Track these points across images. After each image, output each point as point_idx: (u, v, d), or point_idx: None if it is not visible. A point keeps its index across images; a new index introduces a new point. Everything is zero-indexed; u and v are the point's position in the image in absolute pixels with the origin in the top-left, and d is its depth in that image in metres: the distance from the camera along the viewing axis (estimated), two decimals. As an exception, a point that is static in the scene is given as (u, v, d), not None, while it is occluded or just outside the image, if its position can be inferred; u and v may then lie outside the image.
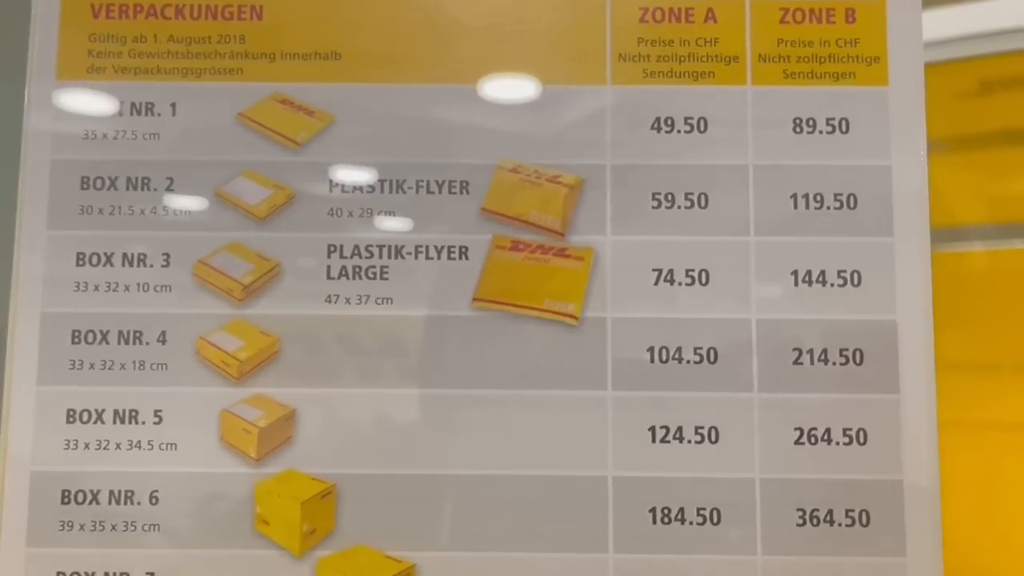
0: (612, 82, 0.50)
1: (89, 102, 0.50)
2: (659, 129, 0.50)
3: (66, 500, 0.47)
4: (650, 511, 0.48)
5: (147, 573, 0.47)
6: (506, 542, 0.47)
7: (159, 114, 0.50)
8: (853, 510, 0.47)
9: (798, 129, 0.50)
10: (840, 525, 0.47)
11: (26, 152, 0.49)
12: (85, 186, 0.49)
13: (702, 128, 0.50)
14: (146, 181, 0.50)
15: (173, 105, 0.50)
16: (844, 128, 0.50)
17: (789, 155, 0.50)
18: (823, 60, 0.50)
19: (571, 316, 0.49)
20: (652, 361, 0.48)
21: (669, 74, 0.50)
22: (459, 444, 0.48)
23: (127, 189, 0.49)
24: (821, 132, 0.50)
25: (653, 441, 0.48)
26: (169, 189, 0.50)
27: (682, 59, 0.50)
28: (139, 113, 0.50)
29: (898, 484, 0.47)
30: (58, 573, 0.47)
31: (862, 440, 0.48)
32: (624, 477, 0.48)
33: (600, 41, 0.50)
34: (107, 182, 0.49)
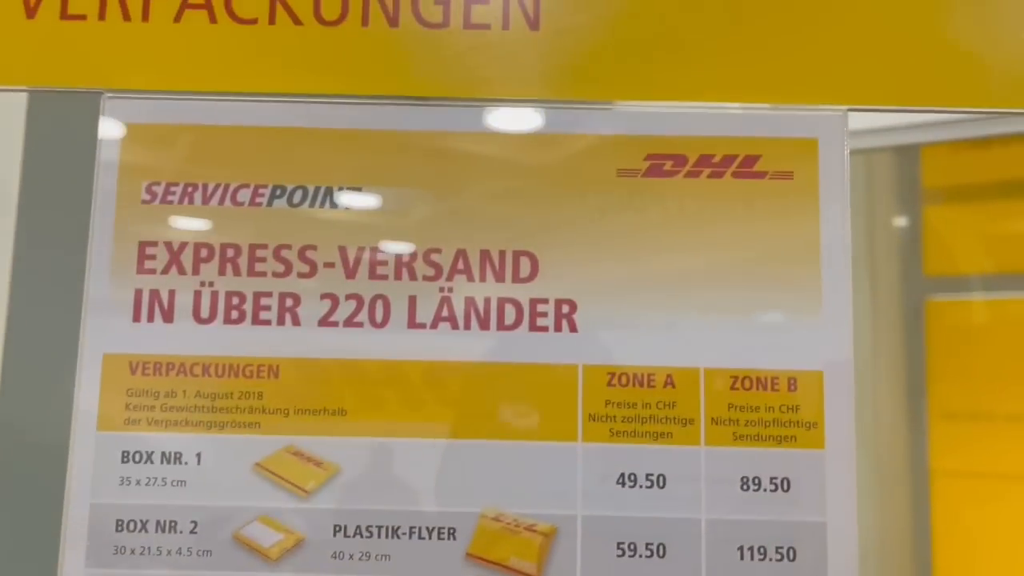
0: (583, 439, 0.57)
1: (124, 451, 0.57)
2: (623, 483, 0.57)
3: None
4: None
5: None
6: None
7: (186, 463, 0.57)
8: None
9: (745, 487, 0.57)
10: None
11: (68, 495, 0.56)
12: (119, 528, 0.56)
13: (661, 484, 0.57)
14: (173, 524, 0.56)
15: (198, 455, 0.57)
16: (785, 487, 0.57)
17: (737, 511, 0.57)
18: (768, 424, 0.57)
19: (544, 654, 0.55)
20: None
21: (632, 434, 0.57)
22: None
23: (156, 531, 0.56)
24: (765, 490, 0.57)
25: None
26: (193, 532, 0.56)
27: (644, 420, 0.58)
28: (168, 462, 0.57)
29: None
30: None
31: None
32: None
33: (572, 402, 0.58)
34: (139, 525, 0.56)
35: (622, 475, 0.57)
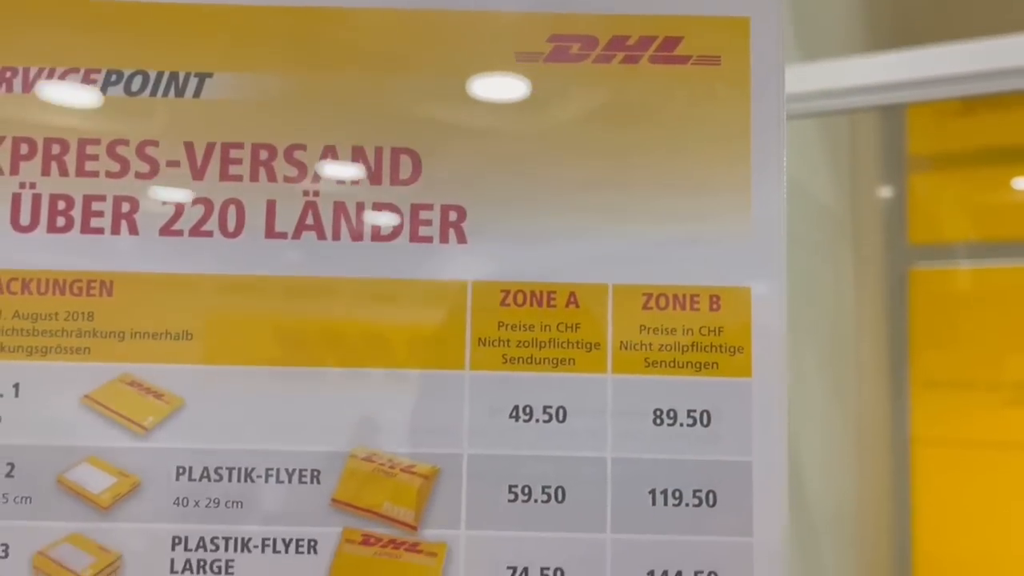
0: (471, 367, 0.49)
1: (-72, 382, 0.48)
2: (517, 418, 0.49)
3: None
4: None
5: None
6: None
7: (1, 395, 0.48)
8: None
9: (658, 421, 0.49)
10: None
11: None
12: (-79, 472, 0.48)
13: (561, 418, 0.49)
14: (-15, 467, 0.48)
15: (16, 386, 0.48)
16: (705, 421, 0.49)
17: (648, 448, 0.49)
18: (686, 349, 0.49)
19: (422, 615, 0.47)
20: (503, 664, 0.47)
21: (529, 360, 0.49)
22: None
23: (-35, 476, 0.48)
24: (682, 425, 0.49)
25: None
26: (9, 476, 0.48)
27: (542, 344, 0.49)
28: (-20, 395, 0.48)
29: None
30: None
31: None
32: None
33: (460, 324, 0.49)
34: (-56, 468, 0.48)
35: (516, 408, 0.49)
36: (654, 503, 0.48)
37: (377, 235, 0.50)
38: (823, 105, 1.00)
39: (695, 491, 0.48)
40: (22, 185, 0.50)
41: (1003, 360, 0.76)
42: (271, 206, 0.50)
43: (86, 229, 0.49)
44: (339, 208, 0.50)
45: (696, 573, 0.48)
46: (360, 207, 0.50)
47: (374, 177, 0.50)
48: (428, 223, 0.50)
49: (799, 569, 0.72)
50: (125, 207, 0.49)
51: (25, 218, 0.49)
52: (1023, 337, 0.76)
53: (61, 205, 0.49)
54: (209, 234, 0.49)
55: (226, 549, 0.48)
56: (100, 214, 0.49)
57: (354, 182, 0.50)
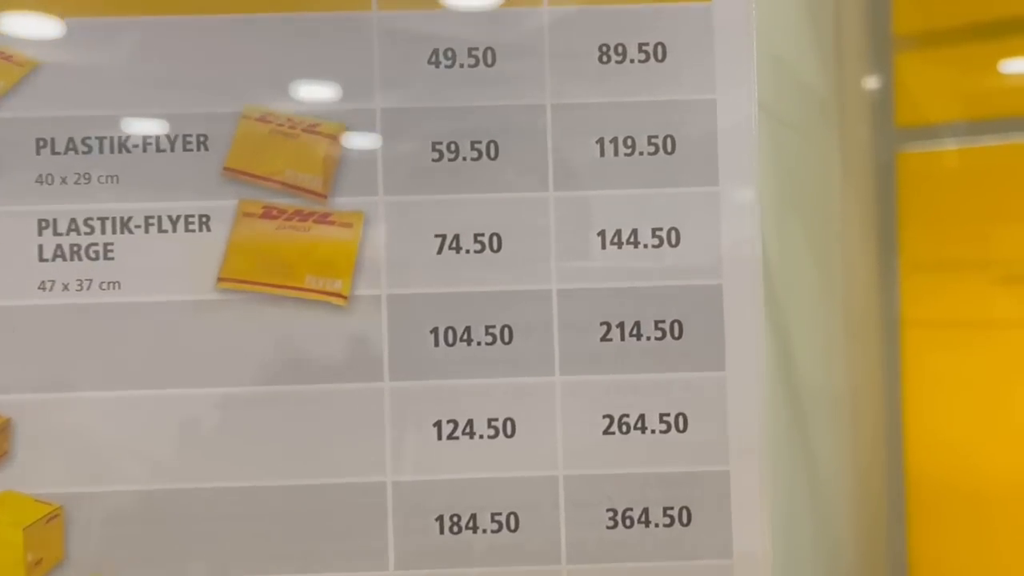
0: (378, 7, 0.41)
1: None
2: (438, 63, 0.41)
3: None
4: (437, 519, 0.41)
5: None
6: (274, 564, 0.40)
7: None
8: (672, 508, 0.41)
9: (605, 58, 0.41)
10: (657, 526, 0.41)
11: None
12: None
13: (489, 60, 0.41)
14: None
15: None
16: (660, 55, 0.41)
17: (594, 91, 0.41)
18: (634, -25, 0.41)
19: (339, 295, 0.41)
20: (436, 344, 0.41)
21: None
22: (212, 452, 0.40)
23: None
24: (632, 61, 0.41)
25: (439, 438, 0.41)
26: None
27: (463, -23, 0.41)
28: None
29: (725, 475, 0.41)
30: None
31: (682, 427, 0.41)
32: (405, 482, 0.41)
33: (363, -45, 0.41)
34: None
35: (435, 52, 0.41)
36: (603, 153, 0.41)
37: None
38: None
39: (651, 137, 0.41)
40: None
41: (991, 238, 0.77)
42: None
43: None
44: None
45: (654, 231, 0.41)
46: None
47: None
48: None
49: (791, 455, 0.70)
50: None
51: None
52: (1010, 214, 0.76)
53: None
54: None
55: (103, 231, 0.41)
56: None
57: None
